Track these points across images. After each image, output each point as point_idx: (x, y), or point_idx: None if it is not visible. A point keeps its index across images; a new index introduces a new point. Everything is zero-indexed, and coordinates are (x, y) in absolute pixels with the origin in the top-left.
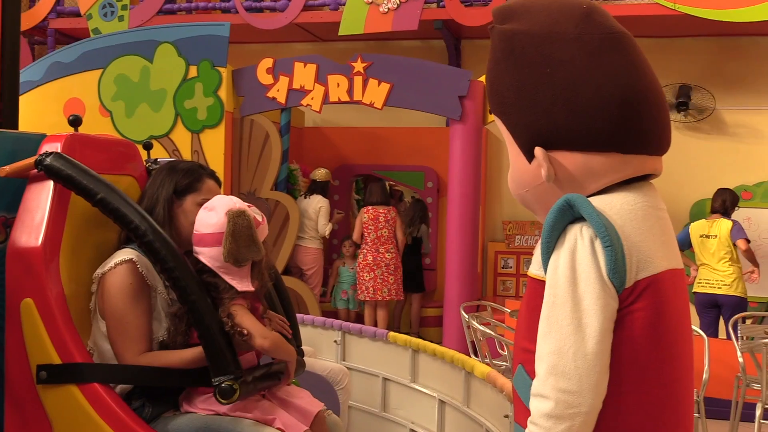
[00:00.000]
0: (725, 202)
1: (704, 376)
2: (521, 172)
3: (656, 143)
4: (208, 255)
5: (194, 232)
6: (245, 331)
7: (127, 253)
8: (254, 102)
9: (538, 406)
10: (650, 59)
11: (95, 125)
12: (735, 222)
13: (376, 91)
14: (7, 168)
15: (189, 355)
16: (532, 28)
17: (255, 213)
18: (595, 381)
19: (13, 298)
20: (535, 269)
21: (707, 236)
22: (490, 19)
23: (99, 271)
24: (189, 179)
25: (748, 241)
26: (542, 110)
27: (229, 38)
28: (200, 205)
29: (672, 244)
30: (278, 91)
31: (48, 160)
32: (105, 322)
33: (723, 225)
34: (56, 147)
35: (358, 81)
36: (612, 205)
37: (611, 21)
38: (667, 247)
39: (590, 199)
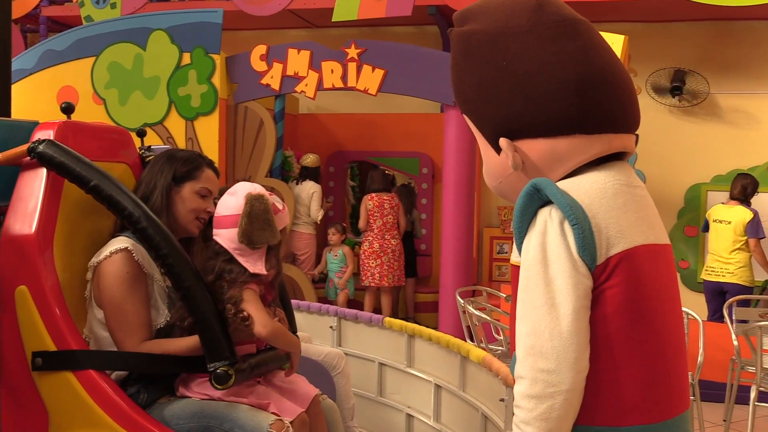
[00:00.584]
0: (745, 189)
1: (699, 359)
2: (492, 164)
3: (621, 121)
4: (225, 236)
5: (215, 215)
6: (246, 314)
7: (122, 242)
8: (248, 89)
9: (519, 387)
10: (645, 44)
11: (89, 113)
12: (754, 216)
13: (371, 77)
14: (0, 156)
15: (189, 343)
16: (488, 26)
17: (275, 200)
18: (573, 359)
19: (7, 285)
20: (515, 257)
21: (721, 221)
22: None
23: (94, 259)
24: (188, 167)
25: (759, 240)
26: (503, 102)
27: (222, 25)
28: (198, 193)
29: (651, 220)
30: (272, 77)
31: (40, 147)
32: (103, 311)
33: (739, 213)
34: (49, 134)
35: (352, 67)
36: (579, 186)
37: (564, 9)
38: (643, 222)
39: (559, 182)
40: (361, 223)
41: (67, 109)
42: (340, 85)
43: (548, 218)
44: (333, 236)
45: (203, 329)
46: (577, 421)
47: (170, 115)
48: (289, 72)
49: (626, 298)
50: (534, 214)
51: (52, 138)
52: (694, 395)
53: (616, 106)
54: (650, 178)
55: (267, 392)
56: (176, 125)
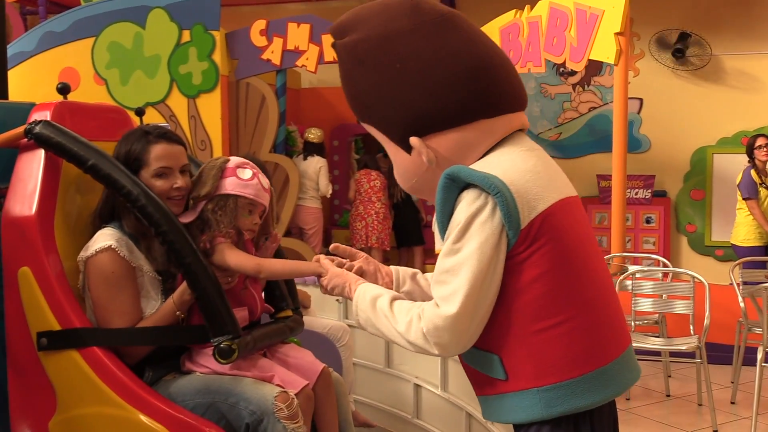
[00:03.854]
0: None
1: (705, 321)
2: (405, 165)
3: (514, 100)
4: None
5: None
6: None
7: (106, 238)
8: (249, 64)
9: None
10: (646, 6)
11: (90, 94)
12: (745, 170)
13: None
14: None
15: (157, 314)
16: (370, 33)
17: (262, 179)
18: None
19: (10, 267)
20: (439, 245)
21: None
22: None
23: (82, 254)
24: (133, 157)
25: (746, 198)
26: (405, 103)
27: (221, 1)
28: (157, 174)
29: (558, 175)
30: (273, 52)
31: (37, 128)
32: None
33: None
34: (45, 115)
35: None
36: (490, 162)
37: (438, 5)
38: (553, 179)
39: (471, 166)
40: (350, 194)
41: (64, 89)
42: None
43: (470, 199)
44: None
45: (205, 304)
46: (534, 383)
47: (172, 93)
48: (290, 46)
49: (557, 254)
50: (455, 202)
51: (48, 119)
52: (701, 358)
53: (507, 87)
54: (655, 141)
55: (270, 365)
56: (178, 103)
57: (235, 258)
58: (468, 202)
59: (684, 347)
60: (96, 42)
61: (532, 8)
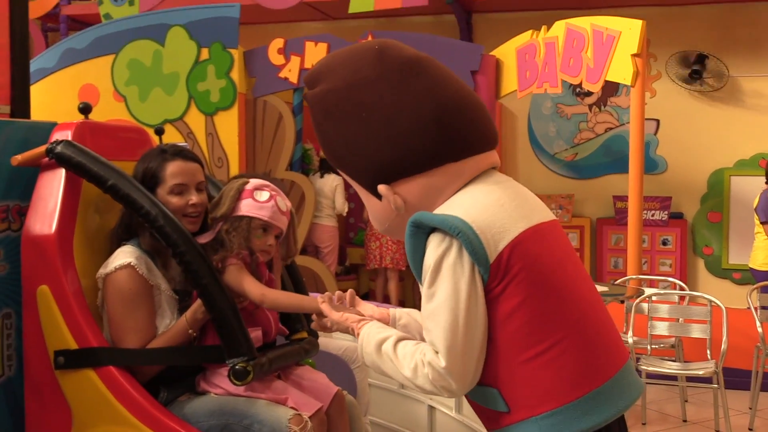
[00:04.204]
0: None
1: (723, 346)
2: (376, 210)
3: (483, 141)
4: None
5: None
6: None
7: (126, 255)
8: (266, 83)
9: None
10: (664, 28)
11: (109, 111)
12: (763, 193)
13: None
14: (20, 157)
15: (169, 333)
16: (337, 83)
17: (280, 202)
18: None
19: (29, 285)
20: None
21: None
22: None
23: (102, 271)
24: (150, 174)
25: (764, 222)
26: (371, 152)
27: (239, 19)
28: (173, 191)
29: (528, 204)
30: (290, 71)
31: (59, 148)
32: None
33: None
34: (67, 135)
35: None
36: (452, 203)
37: (405, 50)
38: (521, 208)
39: (440, 208)
40: (366, 213)
41: (85, 109)
42: None
43: (436, 243)
44: None
45: (221, 325)
46: (532, 412)
47: (190, 110)
48: (307, 65)
49: (531, 281)
50: (424, 247)
51: (69, 138)
52: (718, 383)
53: (474, 129)
54: (672, 163)
55: (284, 387)
56: (196, 121)
57: (241, 283)
58: (434, 246)
59: (701, 372)
60: (116, 59)
61: (548, 29)
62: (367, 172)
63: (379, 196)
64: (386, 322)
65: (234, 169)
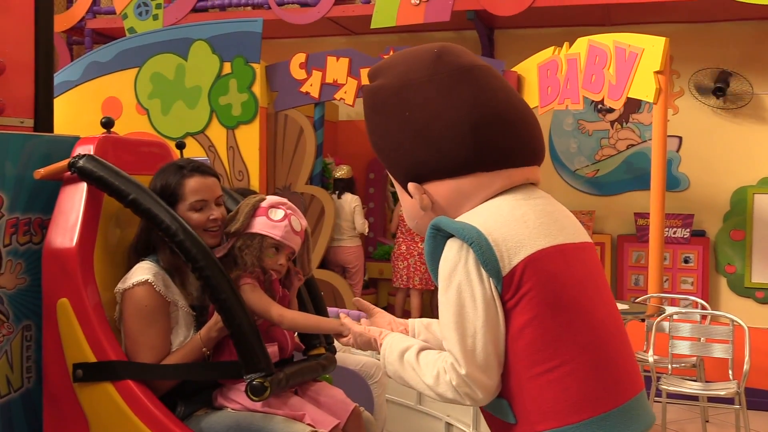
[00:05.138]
0: None
1: (745, 367)
2: (408, 206)
3: (520, 156)
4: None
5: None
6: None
7: (144, 272)
8: (288, 97)
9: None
10: (688, 45)
11: (132, 123)
12: None
13: None
14: (42, 170)
15: (183, 350)
16: (392, 80)
17: (294, 222)
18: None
19: (49, 298)
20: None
21: None
22: (524, 8)
23: (120, 286)
24: (169, 191)
25: None
26: (407, 150)
27: (262, 34)
28: (193, 208)
29: (556, 223)
30: (311, 85)
31: (81, 162)
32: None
33: None
34: (89, 149)
35: None
36: (476, 212)
37: (463, 57)
38: (547, 227)
39: (459, 217)
40: (392, 227)
41: (107, 123)
42: None
43: (450, 248)
44: None
45: (239, 341)
46: (537, 427)
47: (212, 124)
48: (329, 80)
49: (543, 299)
50: (442, 251)
51: (92, 153)
52: (740, 404)
53: (513, 143)
54: (694, 180)
55: (302, 403)
56: (218, 134)
57: (257, 303)
58: (450, 252)
59: (722, 392)
60: (139, 72)
61: (570, 45)
62: (401, 168)
63: (410, 193)
64: (406, 330)
65: (254, 182)
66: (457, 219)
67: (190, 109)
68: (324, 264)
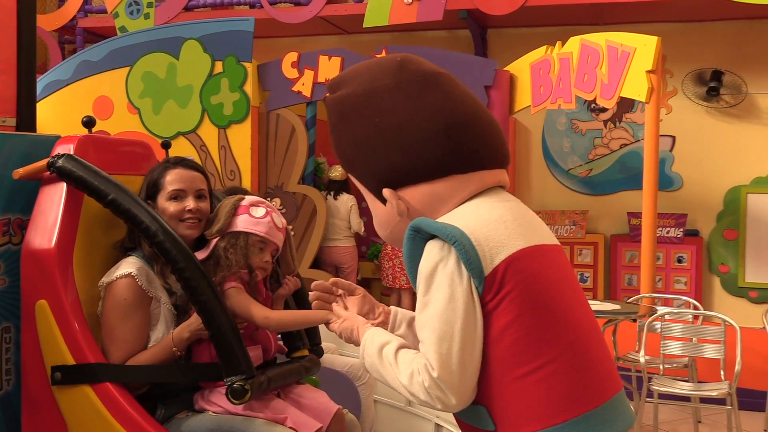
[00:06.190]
0: None
1: (737, 367)
2: (380, 215)
3: (490, 159)
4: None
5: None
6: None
7: (128, 265)
8: (280, 96)
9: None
10: (681, 44)
11: (123, 122)
12: None
13: None
14: (21, 170)
15: (155, 348)
16: (357, 88)
17: (276, 218)
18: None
19: (28, 299)
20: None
21: None
22: (516, 7)
23: (104, 279)
24: (151, 181)
25: None
26: (380, 156)
27: (253, 33)
28: (171, 197)
29: (531, 225)
30: (303, 84)
31: (60, 161)
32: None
33: None
34: (69, 149)
35: None
36: (454, 214)
37: (425, 65)
38: (523, 228)
39: (439, 218)
40: None
41: (89, 123)
42: None
43: (431, 248)
44: None
45: (219, 343)
46: (519, 431)
47: (203, 123)
48: (321, 79)
49: (525, 298)
50: (421, 253)
51: (72, 152)
52: (732, 404)
53: (483, 146)
54: (688, 180)
55: (284, 406)
56: (209, 133)
57: (243, 306)
58: (430, 252)
59: (714, 393)
60: (130, 72)
61: (563, 44)
62: (374, 175)
63: (383, 200)
64: (384, 323)
65: (246, 182)
66: (439, 220)
67: (181, 108)
68: (317, 264)
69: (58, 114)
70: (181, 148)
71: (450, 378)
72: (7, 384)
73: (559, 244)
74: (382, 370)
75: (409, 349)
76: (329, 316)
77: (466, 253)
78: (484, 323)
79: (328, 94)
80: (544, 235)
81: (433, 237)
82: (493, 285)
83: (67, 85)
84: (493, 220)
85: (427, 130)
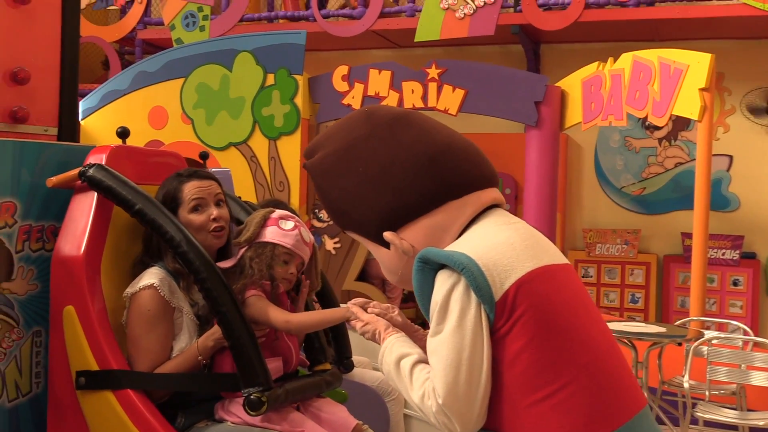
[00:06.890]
0: None
1: None
2: (387, 260)
3: (479, 178)
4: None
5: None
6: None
7: (151, 276)
8: (330, 109)
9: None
10: (739, 63)
11: (177, 132)
12: None
13: (451, 98)
14: (54, 179)
15: (180, 358)
16: (335, 146)
17: (304, 233)
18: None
19: (56, 305)
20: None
21: None
22: (569, 22)
23: (128, 290)
24: (170, 198)
25: None
26: (372, 202)
27: (305, 46)
28: (193, 209)
29: (539, 245)
30: (353, 98)
31: (90, 171)
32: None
33: None
34: (101, 158)
35: (432, 87)
36: (461, 241)
37: (392, 109)
38: (533, 249)
39: (450, 246)
40: None
41: (123, 134)
42: (420, 105)
43: (443, 278)
44: None
45: (238, 354)
46: None
47: (254, 134)
48: (370, 92)
49: (537, 321)
50: (432, 284)
51: (103, 162)
52: None
53: (470, 168)
54: (745, 201)
55: (302, 419)
56: (260, 144)
57: (263, 312)
58: (441, 282)
59: (761, 423)
60: (185, 83)
61: (615, 61)
62: (371, 222)
63: (386, 245)
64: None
65: (295, 193)
66: (444, 249)
67: (233, 119)
68: (363, 276)
69: (115, 123)
70: (232, 159)
71: (456, 405)
72: (36, 386)
73: (568, 262)
74: (398, 381)
75: (426, 365)
76: (348, 314)
77: (475, 279)
78: (497, 349)
79: (305, 161)
80: (553, 255)
81: (442, 267)
82: (505, 310)
83: (125, 95)
84: (500, 242)
85: (412, 165)
